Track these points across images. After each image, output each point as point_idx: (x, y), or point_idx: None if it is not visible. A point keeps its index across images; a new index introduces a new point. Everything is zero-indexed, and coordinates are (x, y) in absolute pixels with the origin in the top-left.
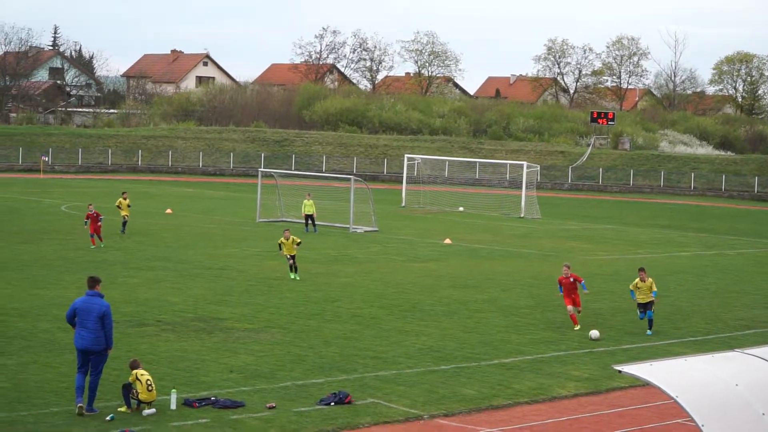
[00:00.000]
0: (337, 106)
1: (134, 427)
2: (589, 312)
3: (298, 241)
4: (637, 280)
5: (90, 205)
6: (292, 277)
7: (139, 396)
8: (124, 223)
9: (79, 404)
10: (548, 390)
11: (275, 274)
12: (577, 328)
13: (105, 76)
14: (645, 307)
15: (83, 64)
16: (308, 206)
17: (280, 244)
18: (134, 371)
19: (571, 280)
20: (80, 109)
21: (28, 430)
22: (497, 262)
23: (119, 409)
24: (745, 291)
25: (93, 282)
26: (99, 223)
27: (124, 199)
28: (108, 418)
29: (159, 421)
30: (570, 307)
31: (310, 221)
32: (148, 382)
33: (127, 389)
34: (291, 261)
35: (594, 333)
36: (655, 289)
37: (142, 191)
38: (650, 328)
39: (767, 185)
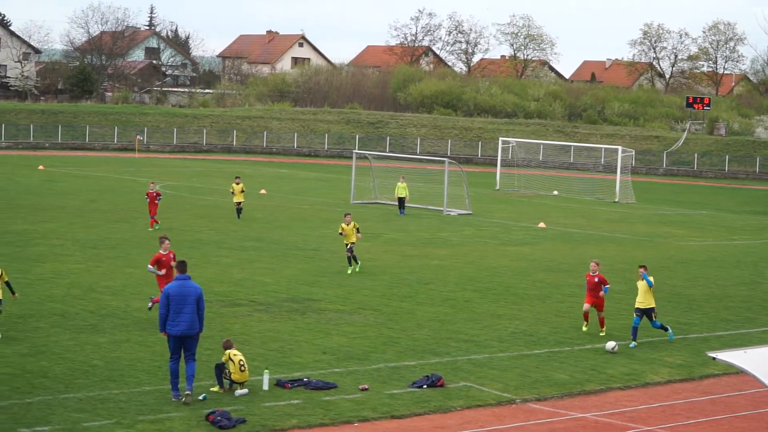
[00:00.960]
0: (432, 88)
1: (226, 407)
2: (682, 298)
3: (358, 226)
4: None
5: (152, 182)
6: (350, 271)
7: (232, 376)
8: (239, 210)
9: (177, 396)
10: (641, 376)
11: (368, 255)
12: (585, 329)
13: (201, 57)
14: (643, 312)
15: (179, 44)
16: (401, 189)
17: (341, 231)
18: (227, 351)
19: (596, 280)
20: (175, 89)
21: (120, 408)
22: (591, 246)
23: (212, 389)
24: None
25: (183, 266)
26: (156, 202)
27: (237, 184)
28: (200, 397)
29: (251, 401)
30: (587, 305)
31: (401, 204)
32: (241, 363)
33: (220, 369)
34: (350, 252)
35: (610, 344)
36: (607, 284)
37: (236, 171)
38: (667, 329)
39: None
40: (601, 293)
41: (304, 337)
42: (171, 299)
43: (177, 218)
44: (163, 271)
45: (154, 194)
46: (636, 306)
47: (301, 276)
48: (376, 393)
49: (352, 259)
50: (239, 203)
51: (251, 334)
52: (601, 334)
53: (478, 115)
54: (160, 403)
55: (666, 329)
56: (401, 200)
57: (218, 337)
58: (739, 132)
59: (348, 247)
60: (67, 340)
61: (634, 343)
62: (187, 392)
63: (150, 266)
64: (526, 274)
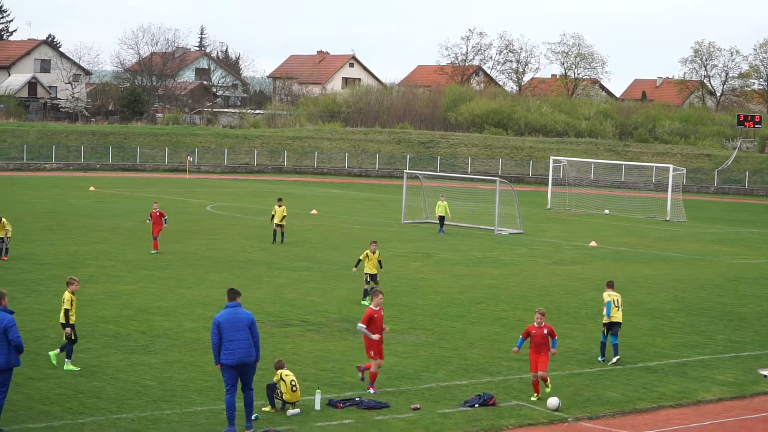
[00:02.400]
0: (483, 107)
1: (279, 427)
2: (733, 316)
3: (380, 259)
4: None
5: (155, 203)
6: (364, 303)
7: (284, 396)
8: (275, 233)
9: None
10: (693, 394)
11: (419, 275)
12: (535, 398)
13: (251, 77)
14: (611, 328)
15: (229, 64)
16: (441, 207)
17: (359, 259)
18: (279, 371)
19: (545, 332)
20: (226, 110)
21: (172, 429)
22: (642, 265)
23: (263, 409)
24: None
25: (234, 294)
26: (163, 225)
27: (279, 206)
28: (252, 417)
29: (303, 421)
30: (533, 373)
31: (441, 222)
32: (293, 383)
33: (272, 389)
34: (368, 284)
35: (553, 401)
36: (555, 337)
37: (287, 192)
38: (615, 354)
39: None
40: (553, 350)
41: (355, 357)
42: (222, 327)
43: (229, 239)
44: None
45: (158, 214)
46: (604, 321)
47: (353, 296)
48: (428, 412)
49: (369, 291)
50: (281, 226)
51: (303, 354)
52: (533, 398)
53: (529, 134)
54: (212, 423)
55: (615, 352)
56: (441, 219)
57: (270, 357)
58: None
59: (367, 278)
60: (119, 361)
61: (615, 359)
62: (247, 431)
63: None
64: (577, 293)
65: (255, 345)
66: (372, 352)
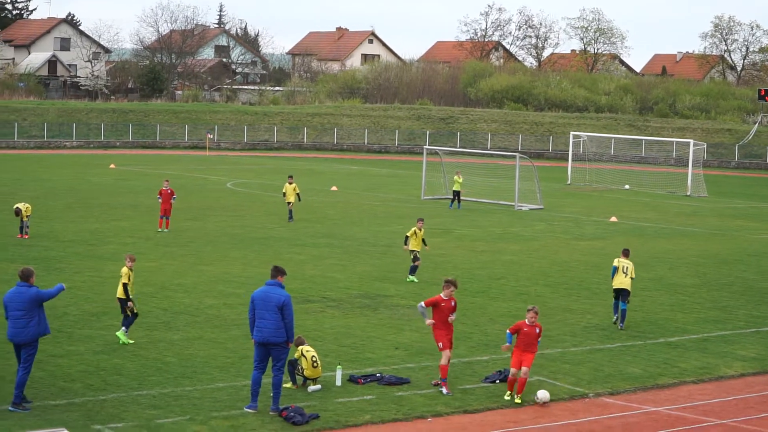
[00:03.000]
0: (503, 83)
1: (300, 404)
2: (755, 292)
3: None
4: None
5: (166, 180)
6: (409, 279)
7: (305, 372)
8: (291, 211)
9: (254, 407)
10: (714, 369)
11: (439, 251)
12: (509, 396)
13: (270, 54)
14: (620, 295)
15: (249, 41)
16: (457, 183)
17: (407, 236)
18: (299, 347)
19: (537, 330)
20: (245, 87)
21: (194, 405)
22: (663, 240)
23: (285, 385)
24: None
25: (276, 272)
26: (171, 202)
27: (290, 184)
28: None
29: (324, 397)
30: (514, 370)
31: (456, 198)
32: (314, 359)
33: (293, 365)
34: (416, 261)
35: (541, 393)
36: (634, 275)
37: (307, 169)
38: (622, 321)
39: None
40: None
41: (376, 332)
42: (255, 304)
43: (249, 216)
44: None
45: (169, 192)
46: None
47: (373, 272)
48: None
49: (415, 268)
50: (290, 204)
51: (324, 330)
52: (516, 400)
53: (548, 110)
54: (234, 400)
55: (623, 319)
56: (456, 193)
57: None
58: None
59: (412, 254)
60: (141, 338)
61: (622, 324)
62: (271, 412)
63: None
64: (598, 269)
65: (286, 327)
66: (441, 343)
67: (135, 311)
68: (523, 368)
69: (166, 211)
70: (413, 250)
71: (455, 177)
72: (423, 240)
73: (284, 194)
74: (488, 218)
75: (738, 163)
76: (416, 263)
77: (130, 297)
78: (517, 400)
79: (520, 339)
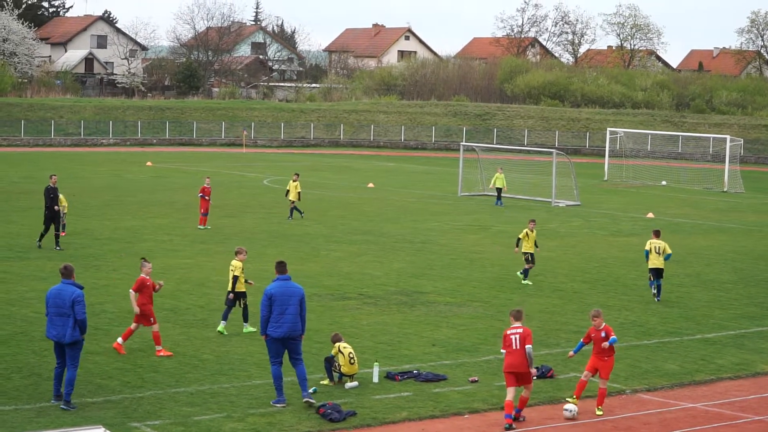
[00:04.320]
0: (539, 79)
1: (337, 400)
2: None
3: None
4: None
5: (207, 178)
6: (524, 282)
7: (342, 369)
8: (292, 210)
9: (282, 402)
10: (751, 366)
11: (476, 247)
12: (571, 400)
13: (307, 51)
14: (656, 274)
15: (285, 38)
16: (499, 179)
17: (519, 238)
18: (336, 344)
19: (603, 334)
20: (282, 84)
21: (231, 402)
22: (700, 236)
23: (321, 382)
24: None
25: (282, 267)
26: (207, 199)
27: (294, 181)
28: (310, 390)
29: (361, 394)
30: (587, 372)
31: (499, 194)
32: (351, 355)
33: (330, 362)
34: (529, 264)
35: (570, 408)
36: (669, 251)
37: (343, 165)
38: (659, 295)
39: None
40: (606, 345)
41: (413, 329)
42: (274, 300)
43: (285, 212)
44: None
45: (210, 190)
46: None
47: (410, 269)
48: (485, 385)
49: (528, 271)
50: (293, 203)
51: (361, 327)
52: (598, 413)
53: (585, 106)
54: (270, 397)
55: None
56: (498, 191)
57: (327, 330)
58: None
59: (529, 258)
60: (178, 335)
61: (658, 298)
62: (306, 400)
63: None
64: (634, 265)
65: (302, 319)
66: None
67: (240, 304)
68: (601, 380)
69: (206, 208)
70: (526, 252)
71: (497, 174)
72: (535, 242)
73: (287, 192)
74: (525, 215)
75: None
76: (529, 266)
77: (237, 290)
78: (599, 412)
79: (594, 346)
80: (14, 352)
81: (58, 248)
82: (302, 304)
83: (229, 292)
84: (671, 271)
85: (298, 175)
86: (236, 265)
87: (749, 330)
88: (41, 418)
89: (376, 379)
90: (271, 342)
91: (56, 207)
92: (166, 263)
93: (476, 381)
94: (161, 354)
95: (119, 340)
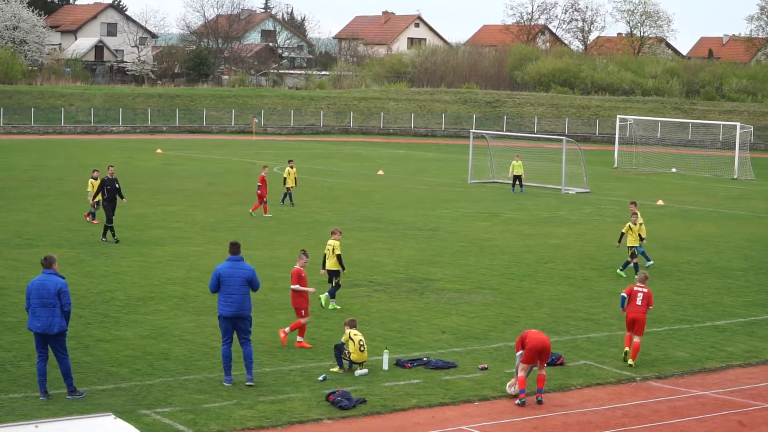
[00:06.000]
0: (549, 67)
1: (347, 387)
2: None
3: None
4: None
5: (265, 166)
6: (624, 274)
7: (351, 356)
8: (285, 195)
9: (230, 381)
10: (762, 353)
11: (486, 235)
12: (627, 351)
13: (317, 38)
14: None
15: (295, 26)
16: (517, 167)
17: (622, 233)
18: (348, 330)
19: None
20: (292, 71)
21: (240, 390)
22: (710, 223)
23: (332, 370)
24: None
25: (235, 248)
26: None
27: (291, 167)
28: (320, 378)
29: (371, 381)
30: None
31: (517, 182)
32: (361, 343)
33: (339, 350)
34: (634, 258)
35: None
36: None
37: (353, 153)
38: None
39: None
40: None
41: (423, 316)
42: (223, 280)
43: (296, 199)
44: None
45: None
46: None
47: (420, 256)
48: (495, 372)
49: (634, 265)
50: (289, 189)
51: (370, 314)
52: (629, 362)
53: (595, 93)
54: (280, 384)
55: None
56: (517, 178)
57: (337, 318)
58: None
59: (632, 251)
60: (187, 322)
61: (650, 262)
62: (248, 383)
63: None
64: (646, 252)
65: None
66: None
67: (339, 283)
68: (634, 337)
69: (262, 196)
70: (631, 246)
71: (514, 161)
72: (639, 235)
73: (285, 179)
74: (535, 202)
75: None
76: (633, 260)
77: (335, 268)
78: (630, 362)
79: (630, 301)
80: (24, 340)
81: (104, 240)
82: (252, 283)
83: (336, 272)
84: (681, 258)
85: (292, 161)
86: (334, 244)
87: (759, 317)
88: (51, 405)
89: (386, 367)
90: (221, 321)
91: (121, 198)
92: (175, 251)
93: (486, 368)
94: (301, 346)
95: (298, 338)
